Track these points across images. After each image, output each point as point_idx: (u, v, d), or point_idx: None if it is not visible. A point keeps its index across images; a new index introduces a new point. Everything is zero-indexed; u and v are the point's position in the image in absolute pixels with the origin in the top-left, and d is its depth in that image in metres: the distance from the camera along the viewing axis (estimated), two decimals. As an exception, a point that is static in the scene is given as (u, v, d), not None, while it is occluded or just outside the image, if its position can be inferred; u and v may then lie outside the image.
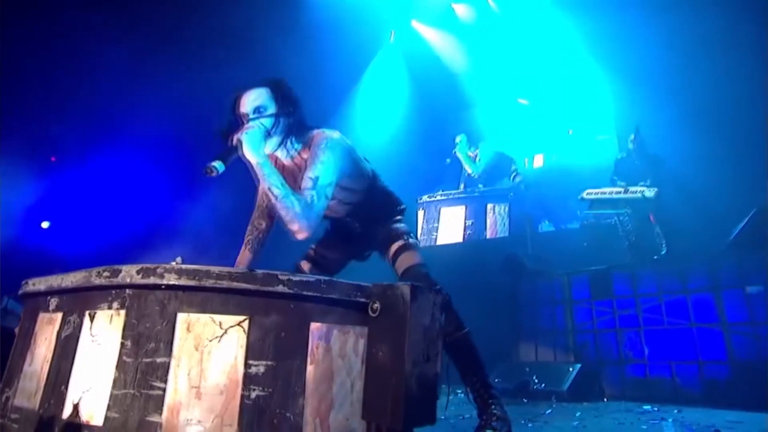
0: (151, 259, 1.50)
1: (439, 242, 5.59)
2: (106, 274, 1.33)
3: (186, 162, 5.70)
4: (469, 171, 6.00)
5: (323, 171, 1.75)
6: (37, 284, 1.57)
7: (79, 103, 5.28)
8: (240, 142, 1.68)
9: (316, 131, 1.89)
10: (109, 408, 1.22)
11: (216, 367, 1.24)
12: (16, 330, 1.64)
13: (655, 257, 4.23)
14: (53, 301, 1.52)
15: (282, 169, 1.92)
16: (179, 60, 5.49)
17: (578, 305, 4.22)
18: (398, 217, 2.19)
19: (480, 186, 5.88)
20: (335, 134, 1.90)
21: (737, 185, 4.35)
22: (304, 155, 1.88)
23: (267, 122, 1.81)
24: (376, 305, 1.35)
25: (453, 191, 5.75)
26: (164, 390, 1.21)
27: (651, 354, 3.73)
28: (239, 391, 1.22)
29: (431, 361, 1.33)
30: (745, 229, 3.62)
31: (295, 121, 1.88)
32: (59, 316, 1.47)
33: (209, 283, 1.26)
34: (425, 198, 5.90)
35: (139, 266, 1.29)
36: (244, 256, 2.16)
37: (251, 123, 1.78)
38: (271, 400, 1.23)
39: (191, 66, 5.46)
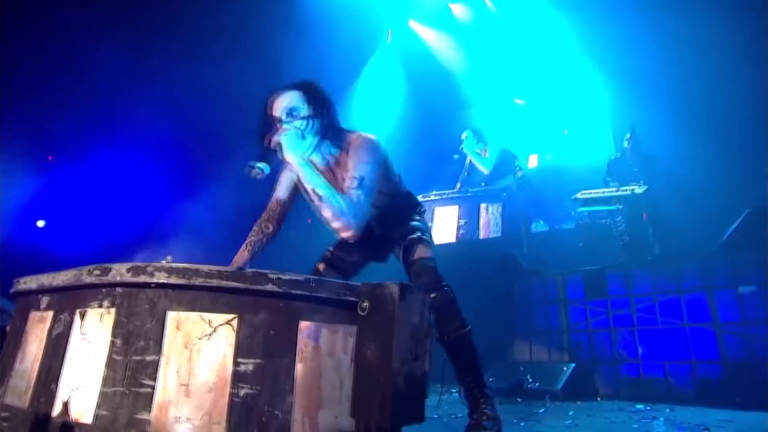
0: (148, 259, 1.50)
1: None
2: (96, 272, 1.34)
3: (184, 161, 5.71)
4: (481, 168, 5.97)
5: (368, 171, 1.78)
6: (28, 283, 1.57)
7: (76, 102, 5.27)
8: (279, 144, 1.71)
9: (353, 134, 1.91)
10: (98, 406, 1.23)
11: (205, 365, 1.25)
12: (8, 328, 1.64)
13: (649, 258, 4.25)
14: (44, 300, 1.53)
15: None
16: (176, 58, 5.48)
17: (573, 305, 4.24)
18: (417, 217, 2.19)
19: (482, 184, 5.88)
20: (373, 137, 1.92)
21: (731, 185, 4.37)
22: (341, 159, 1.88)
23: (300, 125, 1.82)
24: (365, 304, 1.36)
25: (447, 191, 5.76)
26: (153, 388, 1.22)
27: (645, 354, 3.75)
28: (228, 389, 1.23)
29: (420, 360, 1.33)
30: (738, 229, 3.64)
31: (329, 123, 1.89)
32: (50, 314, 1.47)
33: (199, 281, 1.27)
34: (419, 198, 5.87)
35: (129, 265, 1.30)
36: (242, 256, 2.13)
37: (285, 126, 1.80)
38: (260, 398, 1.24)
39: (189, 65, 5.46)
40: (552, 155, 7.14)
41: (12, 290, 1.66)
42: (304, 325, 1.33)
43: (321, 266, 2.20)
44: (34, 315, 1.54)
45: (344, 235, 1.72)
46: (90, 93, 5.30)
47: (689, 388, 3.46)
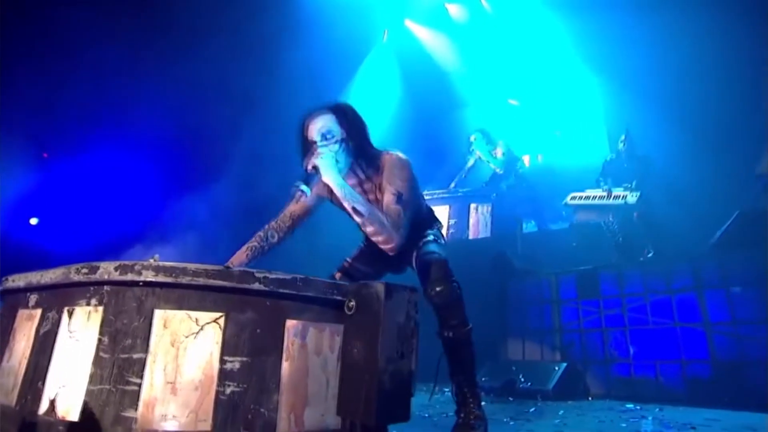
0: (142, 257, 1.51)
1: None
2: (84, 270, 1.34)
3: (178, 159, 5.71)
4: (495, 168, 6.01)
5: (406, 187, 1.88)
6: (16, 281, 1.58)
7: (73, 100, 5.26)
8: (316, 168, 1.80)
9: (386, 153, 1.99)
10: (85, 403, 1.23)
11: (192, 363, 1.26)
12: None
13: (641, 258, 4.28)
14: (33, 298, 1.53)
15: None
16: (172, 57, 5.48)
17: (565, 305, 4.26)
18: (434, 229, 2.22)
19: (483, 184, 5.92)
20: (404, 155, 2.00)
21: (722, 187, 4.40)
22: (375, 178, 1.97)
23: (335, 148, 1.90)
24: (351, 303, 1.37)
25: (438, 191, 5.79)
26: (140, 385, 1.23)
27: (636, 353, 3.77)
28: (214, 387, 1.24)
29: (406, 359, 1.35)
30: (728, 230, 3.67)
31: (362, 144, 1.97)
32: (38, 312, 1.48)
33: (186, 280, 1.28)
34: None
35: (117, 263, 1.31)
36: (239, 258, 2.10)
37: (320, 149, 1.87)
38: (246, 395, 1.25)
39: (186, 63, 5.46)
40: (544, 155, 7.17)
41: (0, 288, 1.66)
42: (290, 323, 1.34)
43: (338, 275, 2.25)
44: (22, 313, 1.54)
45: (387, 247, 1.80)
46: (86, 90, 5.29)
47: (680, 387, 3.49)
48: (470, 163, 6.20)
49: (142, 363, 1.25)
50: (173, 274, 1.27)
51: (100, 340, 1.28)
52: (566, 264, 4.56)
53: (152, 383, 1.23)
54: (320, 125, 1.93)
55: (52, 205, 5.29)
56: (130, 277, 1.29)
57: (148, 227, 5.20)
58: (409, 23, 8.02)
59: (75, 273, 1.36)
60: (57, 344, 1.36)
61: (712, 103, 4.70)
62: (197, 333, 1.28)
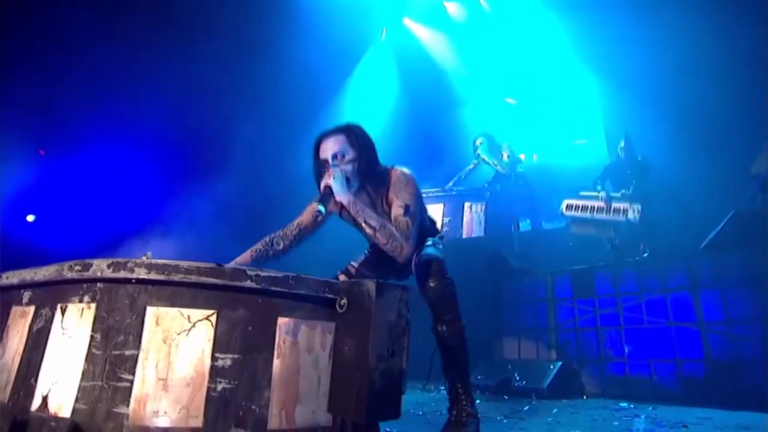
0: (139, 255, 1.51)
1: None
2: (77, 267, 1.35)
3: (176, 157, 5.71)
4: (501, 170, 6.04)
5: (412, 200, 2.01)
6: (10, 278, 1.58)
7: (71, 97, 5.26)
8: (329, 187, 1.93)
9: (393, 170, 2.13)
10: (77, 400, 1.24)
11: (183, 359, 1.26)
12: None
13: (637, 258, 4.29)
14: (26, 295, 1.54)
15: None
16: (171, 55, 5.48)
17: (561, 304, 4.27)
18: (434, 238, 2.29)
19: (485, 184, 5.94)
20: (410, 171, 2.14)
21: (717, 187, 4.41)
22: (384, 193, 2.10)
23: (347, 168, 2.03)
24: (343, 301, 1.38)
25: (432, 189, 5.81)
26: (132, 382, 1.24)
27: (631, 352, 3.79)
28: (206, 384, 1.25)
29: (396, 357, 1.35)
30: (724, 230, 3.67)
31: (371, 163, 2.10)
32: (32, 309, 1.48)
33: (178, 277, 1.28)
34: None
35: (110, 260, 1.31)
36: (244, 260, 2.14)
37: (333, 169, 2.00)
38: (237, 392, 1.26)
39: (184, 61, 5.46)
40: (540, 154, 7.19)
41: (-6, 285, 1.66)
42: (282, 321, 1.35)
43: (341, 277, 2.33)
44: (16, 310, 1.55)
45: (400, 257, 1.89)
46: (84, 89, 5.29)
47: (674, 386, 3.50)
48: (472, 165, 6.22)
49: (134, 360, 1.25)
50: (165, 272, 1.28)
51: (92, 337, 1.29)
52: (562, 263, 4.57)
53: (144, 380, 1.24)
54: (332, 146, 2.07)
55: (49, 202, 5.29)
56: (122, 274, 1.29)
57: (145, 225, 5.21)
58: (407, 21, 8.02)
59: (68, 270, 1.36)
60: (50, 341, 1.37)
61: (709, 102, 4.71)
62: (189, 330, 1.28)
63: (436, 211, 5.60)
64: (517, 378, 3.88)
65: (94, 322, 1.30)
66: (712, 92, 4.68)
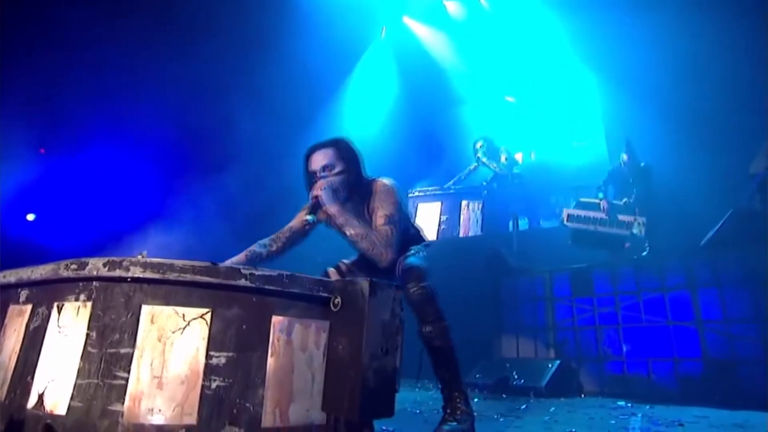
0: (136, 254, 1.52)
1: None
2: (73, 266, 1.36)
3: (176, 156, 5.72)
4: (499, 171, 6.08)
5: (394, 209, 2.10)
6: (7, 276, 1.59)
7: (71, 97, 5.27)
8: (318, 198, 2.05)
9: (377, 181, 2.21)
10: (72, 397, 1.25)
11: (178, 358, 1.27)
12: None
13: (635, 257, 4.30)
14: (23, 293, 1.54)
15: None
16: (170, 54, 5.48)
17: (559, 302, 4.28)
18: (418, 246, 2.35)
19: (483, 183, 5.96)
20: (393, 181, 2.24)
21: (716, 186, 4.41)
22: (369, 203, 2.18)
23: (335, 179, 2.13)
24: (337, 300, 1.39)
25: (430, 188, 5.82)
26: (127, 380, 1.25)
27: (629, 351, 3.80)
28: (200, 382, 1.26)
29: (390, 355, 1.36)
30: (722, 229, 3.68)
31: (358, 175, 2.22)
32: (29, 308, 1.49)
33: (173, 276, 1.29)
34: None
35: (106, 259, 1.32)
36: (239, 260, 2.20)
37: (322, 181, 2.12)
38: (231, 390, 1.27)
39: (184, 60, 5.46)
40: (539, 153, 7.19)
41: (-8, 284, 1.67)
42: (276, 319, 1.36)
43: (332, 272, 2.38)
44: (13, 308, 1.56)
45: (383, 264, 1.98)
46: (85, 88, 5.30)
47: (672, 385, 3.51)
48: (472, 167, 6.25)
49: (129, 358, 1.26)
50: (160, 271, 1.29)
51: (88, 335, 1.29)
52: (560, 261, 4.58)
53: (139, 377, 1.25)
54: (321, 159, 2.18)
55: (49, 201, 5.30)
56: (118, 273, 1.30)
57: (145, 224, 5.22)
58: (407, 20, 8.03)
59: (64, 269, 1.37)
60: (46, 339, 1.38)
61: (708, 102, 4.70)
62: (184, 328, 1.29)
63: (433, 210, 5.61)
64: (515, 376, 3.89)
65: (89, 321, 1.31)
66: (711, 92, 4.68)
